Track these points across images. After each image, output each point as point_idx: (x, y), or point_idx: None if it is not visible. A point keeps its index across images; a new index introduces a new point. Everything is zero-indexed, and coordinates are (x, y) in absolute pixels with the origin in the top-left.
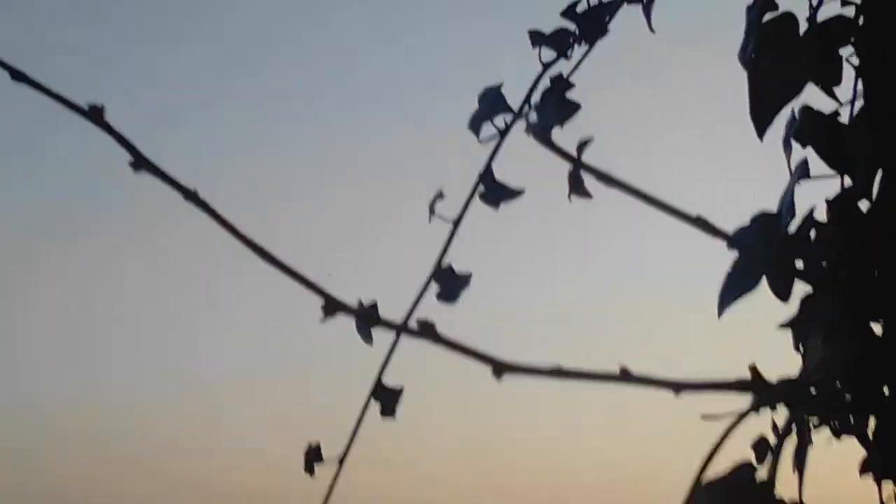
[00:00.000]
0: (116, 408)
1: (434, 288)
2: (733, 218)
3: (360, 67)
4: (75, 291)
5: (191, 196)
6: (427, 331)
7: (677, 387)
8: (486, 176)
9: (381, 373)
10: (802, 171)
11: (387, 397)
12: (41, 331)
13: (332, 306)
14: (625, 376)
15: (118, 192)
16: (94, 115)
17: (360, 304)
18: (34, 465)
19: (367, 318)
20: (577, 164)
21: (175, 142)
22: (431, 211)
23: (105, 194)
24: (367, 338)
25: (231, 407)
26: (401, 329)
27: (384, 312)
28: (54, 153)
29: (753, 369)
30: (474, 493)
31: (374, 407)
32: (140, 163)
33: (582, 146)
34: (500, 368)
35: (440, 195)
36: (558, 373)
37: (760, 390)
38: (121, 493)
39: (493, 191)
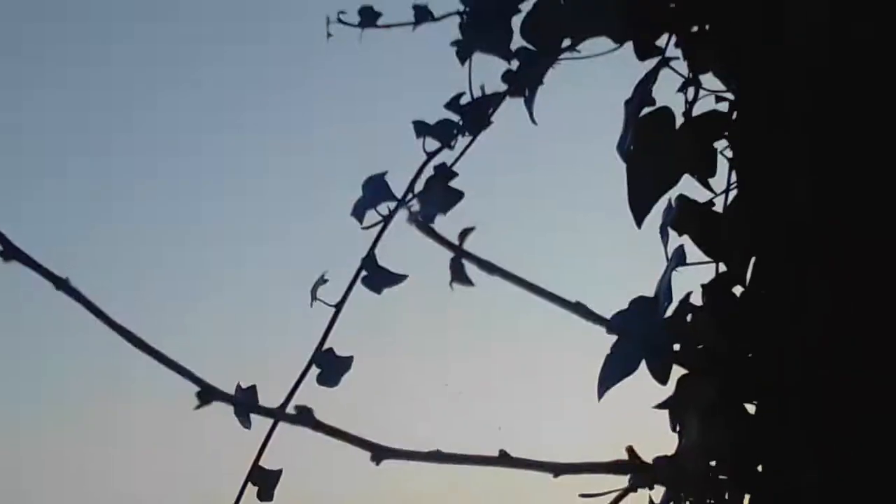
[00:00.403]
0: None
1: (315, 372)
2: (614, 304)
3: (244, 152)
4: None
5: (62, 285)
6: (305, 417)
7: (556, 469)
8: (369, 261)
9: (258, 456)
10: (679, 258)
11: (264, 480)
12: None
13: (207, 394)
14: (504, 459)
15: None
16: None
17: (239, 388)
18: None
19: (245, 404)
20: (460, 253)
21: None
22: (313, 296)
23: None
24: (246, 422)
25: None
26: (279, 415)
27: (264, 397)
28: None
29: (630, 450)
30: None
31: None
32: (10, 252)
33: (464, 235)
34: (379, 454)
35: (323, 280)
36: (437, 456)
37: (637, 471)
38: None
39: (376, 276)
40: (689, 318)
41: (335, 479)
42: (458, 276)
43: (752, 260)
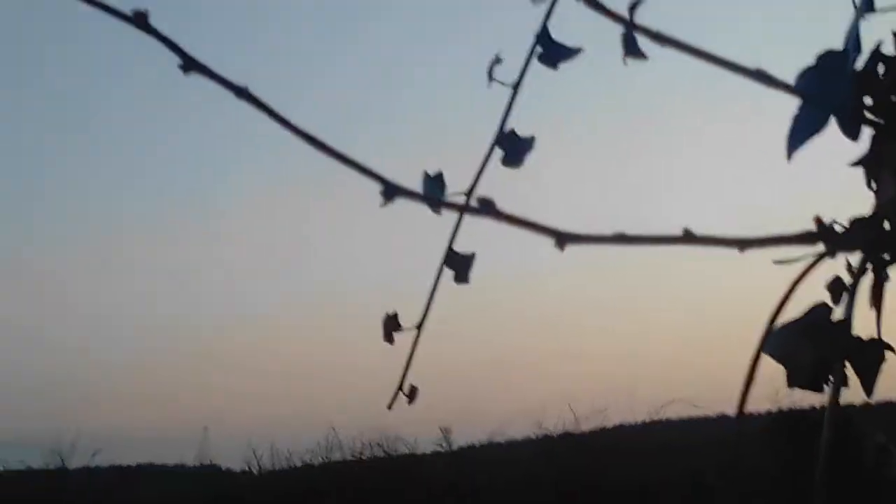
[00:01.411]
0: None
1: (498, 154)
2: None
3: None
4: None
5: (242, 93)
6: (488, 207)
7: (742, 244)
8: (543, 36)
9: (451, 241)
10: (867, 4)
11: (459, 264)
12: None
13: (391, 191)
14: (688, 237)
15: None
16: (139, 20)
17: (426, 175)
18: None
19: (429, 198)
20: (630, 26)
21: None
22: (490, 76)
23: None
24: (437, 209)
25: (308, 293)
26: (462, 207)
27: (451, 183)
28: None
29: (818, 220)
30: (552, 356)
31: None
32: (189, 64)
33: (634, 6)
34: (563, 239)
35: (498, 59)
36: (621, 239)
37: (828, 240)
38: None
39: (551, 51)
40: (881, 68)
41: (524, 263)
42: (630, 49)
43: None
